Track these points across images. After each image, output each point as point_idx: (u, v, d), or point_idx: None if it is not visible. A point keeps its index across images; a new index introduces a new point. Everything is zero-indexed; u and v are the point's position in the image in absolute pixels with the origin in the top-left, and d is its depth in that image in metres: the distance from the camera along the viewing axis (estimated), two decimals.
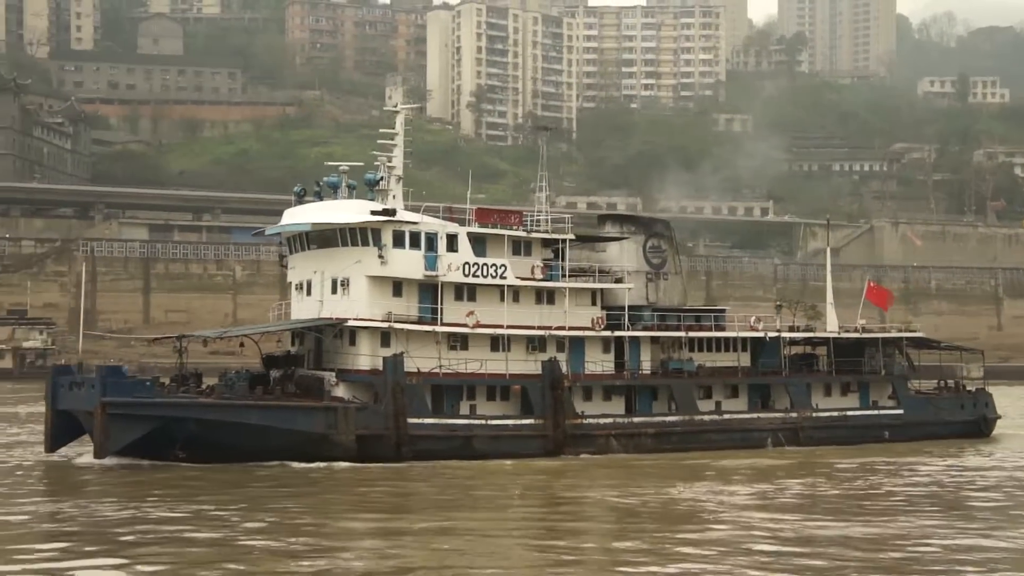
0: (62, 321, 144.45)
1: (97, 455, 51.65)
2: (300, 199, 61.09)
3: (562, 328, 60.70)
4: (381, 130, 61.29)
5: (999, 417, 74.44)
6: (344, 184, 59.41)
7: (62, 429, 53.80)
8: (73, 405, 52.85)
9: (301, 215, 59.69)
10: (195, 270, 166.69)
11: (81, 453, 53.58)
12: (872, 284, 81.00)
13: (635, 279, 65.78)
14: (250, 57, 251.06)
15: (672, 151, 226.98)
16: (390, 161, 60.13)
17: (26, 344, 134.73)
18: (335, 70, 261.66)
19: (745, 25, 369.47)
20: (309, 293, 59.95)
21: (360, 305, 57.33)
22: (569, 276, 62.41)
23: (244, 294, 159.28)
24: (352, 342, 57.52)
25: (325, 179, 60.93)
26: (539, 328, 60.22)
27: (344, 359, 57.46)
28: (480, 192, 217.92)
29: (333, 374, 57.00)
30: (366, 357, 56.76)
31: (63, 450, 54.25)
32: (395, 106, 62.91)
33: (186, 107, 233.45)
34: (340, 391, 56.25)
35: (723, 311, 71.62)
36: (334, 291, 58.62)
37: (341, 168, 59.87)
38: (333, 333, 57.82)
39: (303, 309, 60.32)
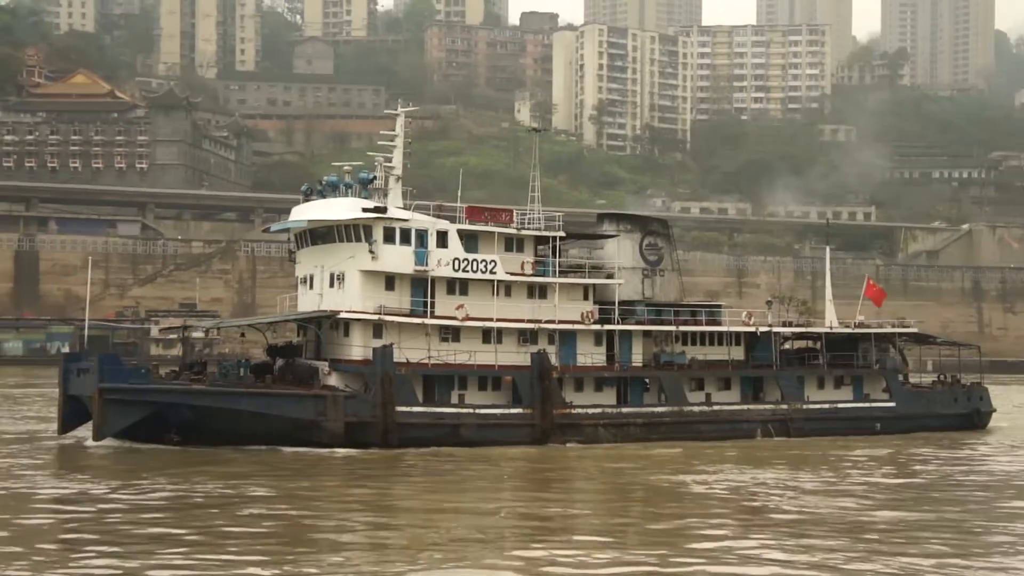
0: (226, 313, 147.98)
1: (95, 438, 50.99)
2: (307, 197, 59.43)
3: (552, 321, 58.56)
4: (381, 132, 60.05)
5: (994, 411, 71.48)
6: (343, 183, 57.67)
7: (73, 413, 52.75)
8: (80, 391, 52.04)
9: (303, 213, 58.51)
10: None
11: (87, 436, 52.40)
12: (871, 282, 77.35)
13: (631, 275, 63.36)
14: (393, 75, 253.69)
15: (780, 159, 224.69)
16: (389, 162, 58.66)
17: (194, 335, 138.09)
18: (469, 86, 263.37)
19: (849, 41, 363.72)
20: (311, 287, 58.75)
21: (353, 298, 55.72)
22: (565, 272, 60.32)
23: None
24: (346, 333, 55.88)
25: (325, 178, 59.85)
26: (528, 321, 58.09)
27: (339, 350, 55.87)
28: (600, 197, 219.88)
29: (327, 364, 55.59)
30: (359, 348, 55.00)
31: (75, 432, 53.14)
32: (395, 110, 60.54)
33: (335, 121, 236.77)
34: (333, 380, 54.79)
35: (719, 307, 69.10)
36: (331, 285, 57.12)
37: (344, 168, 58.44)
38: (328, 324, 56.20)
39: (306, 302, 59.05)
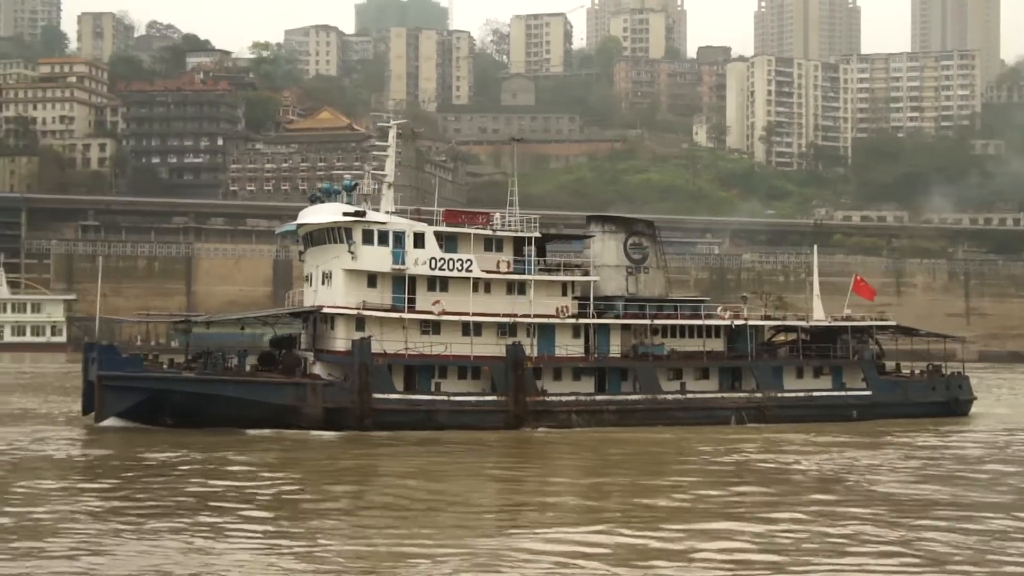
0: None
1: (96, 420, 50.81)
2: (312, 203, 57.70)
3: (527, 316, 55.84)
4: (374, 142, 59.13)
5: (974, 399, 66.86)
6: (333, 190, 56.46)
7: (92, 396, 51.88)
8: (93, 377, 51.75)
9: (301, 218, 57.23)
10: None
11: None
12: (859, 278, 72.49)
13: (615, 272, 60.73)
14: (586, 104, 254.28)
15: (934, 171, 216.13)
16: (383, 170, 57.01)
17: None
18: (652, 112, 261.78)
19: (998, 64, 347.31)
20: (311, 284, 57.55)
21: (338, 295, 54.24)
22: (549, 270, 58.15)
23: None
24: (332, 327, 54.31)
25: (321, 186, 58.93)
26: (504, 316, 55.46)
27: (328, 342, 54.45)
28: (769, 208, 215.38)
29: (312, 354, 54.52)
30: (342, 340, 53.36)
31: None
32: (387, 120, 59.32)
33: (537, 145, 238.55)
34: (317, 369, 53.67)
35: (703, 302, 65.25)
36: (323, 282, 55.74)
37: (344, 177, 57.21)
38: (319, 319, 54.88)
39: (307, 298, 57.82)
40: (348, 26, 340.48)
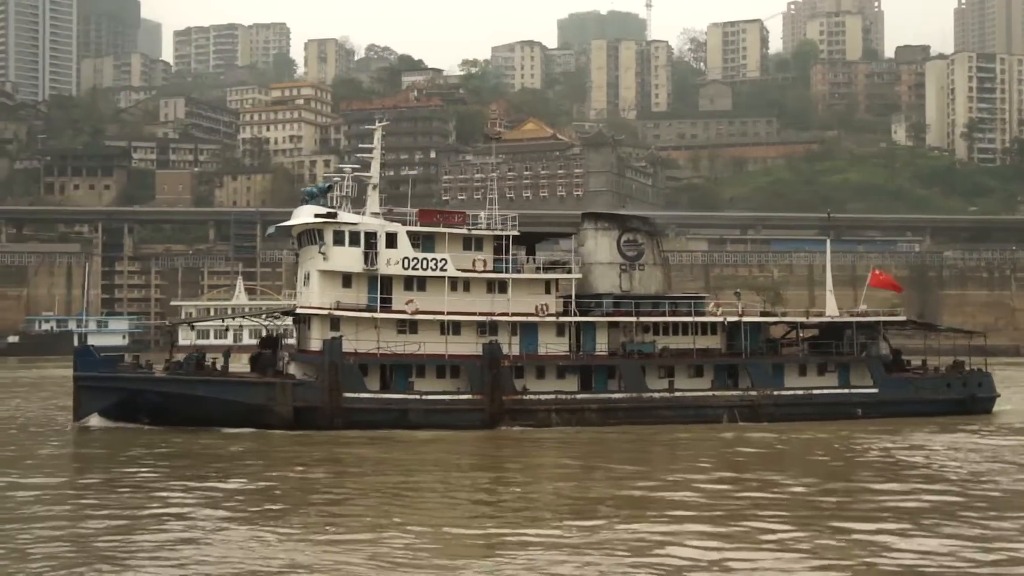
0: None
1: (74, 419, 50.28)
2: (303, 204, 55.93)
3: (505, 314, 53.24)
4: (360, 145, 57.42)
5: (997, 396, 60.80)
6: (319, 191, 54.85)
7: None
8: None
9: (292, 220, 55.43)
10: (743, 273, 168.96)
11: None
12: (876, 272, 66.81)
13: (608, 270, 57.77)
14: (783, 107, 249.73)
15: None
16: (368, 171, 55.35)
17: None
18: (849, 113, 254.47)
19: None
20: (301, 285, 56.37)
21: (314, 295, 52.75)
22: (540, 268, 55.67)
23: (784, 290, 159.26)
24: (309, 327, 52.98)
25: (303, 190, 57.15)
26: (482, 314, 52.94)
27: (307, 342, 53.09)
28: (972, 204, 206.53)
29: (287, 354, 53.30)
30: (316, 340, 51.81)
31: None
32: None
33: (734, 149, 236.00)
34: (292, 369, 52.50)
35: (702, 299, 61.57)
36: (305, 283, 54.63)
37: (326, 178, 55.70)
38: (298, 318, 53.65)
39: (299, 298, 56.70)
40: (551, 41, 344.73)
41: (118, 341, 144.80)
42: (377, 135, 57.26)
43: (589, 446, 47.23)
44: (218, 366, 54.40)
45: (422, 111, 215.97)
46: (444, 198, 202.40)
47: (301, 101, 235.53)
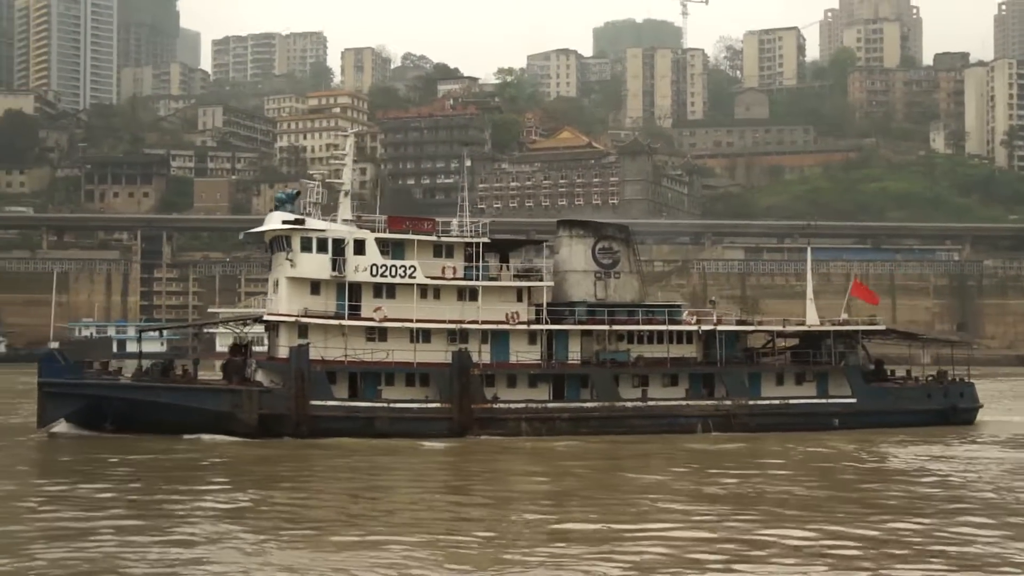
0: None
1: (38, 425, 49.45)
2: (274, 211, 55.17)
3: (475, 322, 52.36)
4: (334, 152, 56.35)
5: (980, 407, 59.56)
6: (291, 198, 53.91)
7: None
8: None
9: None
10: (779, 281, 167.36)
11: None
12: (857, 281, 65.91)
13: (583, 278, 56.46)
14: (819, 115, 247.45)
15: None
16: (340, 177, 54.94)
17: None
18: (887, 121, 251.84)
19: None
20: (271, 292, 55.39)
21: (282, 302, 51.87)
22: (516, 276, 54.87)
23: (818, 299, 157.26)
24: (277, 334, 52.12)
25: (275, 195, 56.34)
26: (451, 322, 52.07)
27: (276, 349, 52.23)
28: (1012, 213, 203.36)
29: (255, 361, 52.61)
30: (284, 347, 50.96)
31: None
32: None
33: (771, 157, 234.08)
34: (259, 376, 51.75)
35: (678, 307, 59.95)
36: (274, 290, 53.68)
37: (302, 181, 54.79)
38: (267, 325, 52.84)
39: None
40: (586, 49, 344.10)
41: (157, 348, 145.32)
42: (349, 142, 57.38)
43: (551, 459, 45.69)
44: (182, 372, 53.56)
45: (458, 119, 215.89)
46: (480, 206, 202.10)
47: (338, 110, 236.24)
